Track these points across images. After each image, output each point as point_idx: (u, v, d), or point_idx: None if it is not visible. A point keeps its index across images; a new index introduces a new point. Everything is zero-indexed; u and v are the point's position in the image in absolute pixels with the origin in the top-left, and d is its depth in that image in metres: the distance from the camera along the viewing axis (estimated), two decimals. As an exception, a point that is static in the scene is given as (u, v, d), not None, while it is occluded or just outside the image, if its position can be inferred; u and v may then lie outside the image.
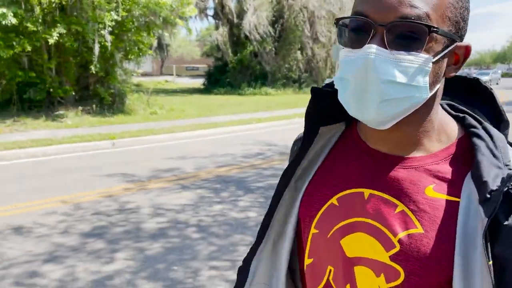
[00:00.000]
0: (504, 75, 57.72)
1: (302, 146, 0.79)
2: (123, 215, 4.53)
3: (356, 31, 0.64)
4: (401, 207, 0.67)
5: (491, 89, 0.73)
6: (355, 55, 0.63)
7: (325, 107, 0.77)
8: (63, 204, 4.87)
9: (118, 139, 9.25)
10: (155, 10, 12.43)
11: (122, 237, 3.96)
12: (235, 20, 24.66)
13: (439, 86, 0.66)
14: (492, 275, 0.59)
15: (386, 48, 0.60)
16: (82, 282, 3.16)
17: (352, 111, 0.66)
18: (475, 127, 0.69)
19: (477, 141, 0.67)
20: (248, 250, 0.83)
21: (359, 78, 0.62)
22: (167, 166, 6.86)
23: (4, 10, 10.04)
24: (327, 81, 1.41)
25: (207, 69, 30.61)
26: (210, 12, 26.91)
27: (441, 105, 0.72)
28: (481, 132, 0.68)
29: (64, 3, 11.10)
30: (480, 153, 0.65)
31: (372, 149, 0.72)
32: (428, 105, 0.66)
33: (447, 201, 0.65)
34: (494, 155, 0.65)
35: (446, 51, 0.63)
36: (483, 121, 0.70)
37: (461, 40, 0.65)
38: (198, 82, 32.27)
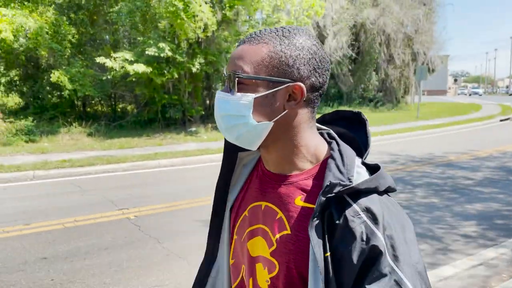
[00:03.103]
0: None
1: (226, 168, 1.01)
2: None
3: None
4: (280, 214, 0.88)
5: (366, 120, 0.94)
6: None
7: None
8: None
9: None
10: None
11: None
12: (315, 45, 26.48)
13: (286, 118, 0.84)
14: (323, 265, 0.76)
15: (228, 92, 0.85)
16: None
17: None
18: (333, 149, 0.88)
19: (330, 161, 0.86)
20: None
21: (215, 113, 0.89)
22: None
23: (163, 45, 12.38)
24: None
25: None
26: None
27: (322, 133, 0.94)
28: (336, 153, 0.87)
29: (203, 37, 13.34)
30: (328, 170, 0.83)
31: (266, 169, 0.94)
32: (287, 135, 0.86)
33: (308, 208, 0.84)
34: (340, 171, 0.83)
35: (271, 90, 0.82)
36: (342, 144, 0.90)
37: (297, 81, 0.82)
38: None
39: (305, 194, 0.86)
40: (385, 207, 0.80)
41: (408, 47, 27.52)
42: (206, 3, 12.64)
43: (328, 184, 0.78)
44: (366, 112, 26.51)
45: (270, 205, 0.90)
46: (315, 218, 0.77)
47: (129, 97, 15.53)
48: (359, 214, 0.77)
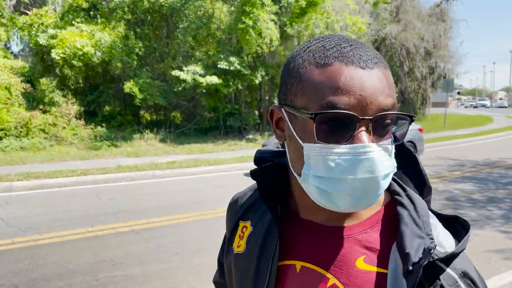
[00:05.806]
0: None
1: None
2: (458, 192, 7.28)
3: (333, 124, 0.60)
4: (332, 280, 0.66)
5: (414, 152, 0.75)
6: (348, 154, 0.59)
7: (273, 182, 0.76)
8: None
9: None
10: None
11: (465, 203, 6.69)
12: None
13: None
14: None
15: (373, 141, 0.60)
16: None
17: (340, 209, 0.63)
18: (399, 194, 0.70)
19: (401, 210, 0.67)
20: None
21: (362, 178, 0.59)
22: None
23: (233, 59, 13.48)
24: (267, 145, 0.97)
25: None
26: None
27: None
28: (405, 200, 0.68)
29: (266, 51, 14.48)
30: (403, 224, 0.65)
31: (303, 219, 0.72)
32: None
33: (377, 273, 0.65)
34: (417, 224, 0.65)
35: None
36: (406, 187, 0.71)
37: None
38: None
39: (369, 254, 0.67)
40: (474, 267, 0.67)
41: (425, 61, 28.91)
42: (271, 20, 13.80)
43: (423, 250, 0.61)
44: (388, 123, 27.78)
45: (313, 266, 0.69)
46: None
47: (186, 106, 16.54)
48: (457, 283, 0.62)
